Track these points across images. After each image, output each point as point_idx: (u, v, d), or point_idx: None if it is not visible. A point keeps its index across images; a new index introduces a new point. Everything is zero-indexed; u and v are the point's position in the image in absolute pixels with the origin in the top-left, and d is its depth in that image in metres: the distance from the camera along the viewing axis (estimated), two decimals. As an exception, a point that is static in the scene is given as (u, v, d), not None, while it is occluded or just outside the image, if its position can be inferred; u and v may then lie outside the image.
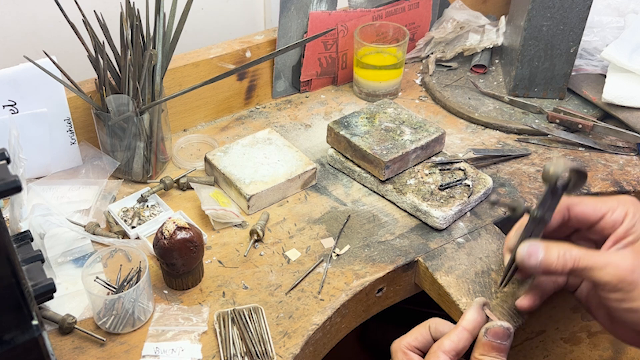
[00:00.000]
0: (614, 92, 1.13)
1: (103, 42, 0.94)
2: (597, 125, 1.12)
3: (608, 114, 1.16)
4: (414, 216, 0.98)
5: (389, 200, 1.01)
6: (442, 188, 0.98)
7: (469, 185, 0.99)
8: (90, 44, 0.95)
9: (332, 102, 1.22)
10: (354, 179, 1.05)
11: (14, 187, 0.47)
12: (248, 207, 0.97)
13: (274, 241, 0.94)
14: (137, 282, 0.82)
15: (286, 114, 1.19)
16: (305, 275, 0.89)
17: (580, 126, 1.13)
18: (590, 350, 1.23)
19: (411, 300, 1.01)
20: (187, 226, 0.83)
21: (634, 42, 1.16)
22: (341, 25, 1.19)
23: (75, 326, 0.80)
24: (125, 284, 0.83)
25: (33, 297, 0.55)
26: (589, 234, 0.75)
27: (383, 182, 1.00)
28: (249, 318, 0.82)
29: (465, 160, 1.05)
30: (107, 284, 0.83)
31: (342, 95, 1.24)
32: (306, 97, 1.23)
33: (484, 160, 1.08)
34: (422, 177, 1.01)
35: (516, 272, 0.78)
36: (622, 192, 1.04)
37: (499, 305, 0.81)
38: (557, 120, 1.14)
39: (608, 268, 0.65)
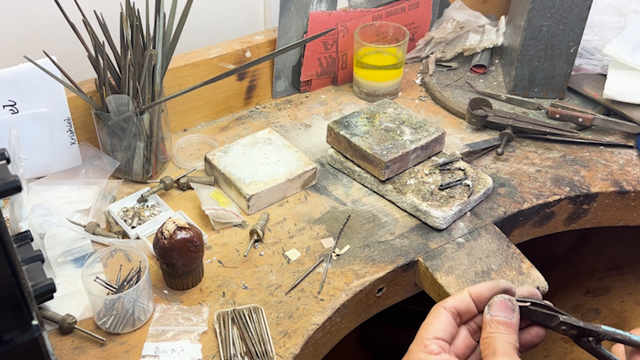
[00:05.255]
0: (615, 88, 1.13)
1: (103, 42, 0.94)
2: (597, 117, 1.12)
3: (609, 111, 1.16)
4: (414, 216, 0.98)
5: (389, 200, 1.01)
6: (442, 188, 0.98)
7: (469, 185, 0.99)
8: (90, 44, 0.95)
9: (332, 102, 1.22)
10: (354, 179, 1.05)
11: (14, 187, 0.47)
12: (248, 207, 0.97)
13: (274, 241, 0.94)
14: (137, 282, 0.82)
15: (286, 114, 1.19)
16: (305, 275, 0.89)
17: (580, 120, 1.13)
18: (590, 350, 1.23)
19: (411, 300, 1.01)
20: (187, 226, 0.83)
21: (635, 39, 1.16)
22: (341, 25, 1.19)
23: (75, 326, 0.80)
24: (125, 284, 0.83)
25: (33, 297, 0.54)
26: None
27: (383, 182, 1.00)
28: (249, 318, 0.82)
29: (462, 158, 1.05)
30: (107, 284, 0.83)
31: (342, 95, 1.24)
32: (306, 97, 1.23)
33: (478, 153, 1.08)
34: (422, 177, 1.01)
35: None
36: (622, 192, 1.04)
37: None
38: (557, 116, 1.15)
39: None
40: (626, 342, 0.59)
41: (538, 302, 0.61)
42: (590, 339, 0.60)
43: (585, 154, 1.10)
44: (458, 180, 1.00)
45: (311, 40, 0.96)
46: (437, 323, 0.61)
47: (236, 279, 0.88)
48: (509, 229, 1.00)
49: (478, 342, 0.63)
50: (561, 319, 0.59)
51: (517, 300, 0.61)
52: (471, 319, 0.63)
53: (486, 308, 0.61)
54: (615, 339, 0.59)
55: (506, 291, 0.62)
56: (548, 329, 0.61)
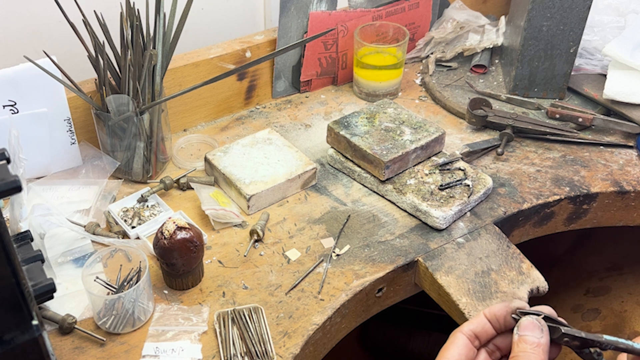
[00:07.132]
0: (615, 88, 1.13)
1: (103, 42, 0.94)
2: (597, 117, 1.12)
3: (609, 111, 1.16)
4: (414, 216, 0.98)
5: (389, 200, 1.01)
6: (442, 188, 0.98)
7: (469, 185, 0.99)
8: (90, 44, 0.95)
9: (332, 102, 1.22)
10: (354, 179, 1.05)
11: (14, 187, 0.47)
12: (248, 207, 0.97)
13: (274, 241, 0.94)
14: (137, 282, 0.82)
15: (286, 114, 1.19)
16: (305, 275, 0.89)
17: (580, 120, 1.13)
18: (590, 350, 1.23)
19: (411, 300, 1.02)
20: (187, 226, 0.83)
21: (635, 39, 1.16)
22: (341, 25, 1.19)
23: (75, 326, 0.80)
24: (125, 284, 0.83)
25: (33, 297, 0.55)
26: None
27: (383, 182, 1.00)
28: (249, 318, 0.82)
29: (462, 158, 1.05)
30: (107, 284, 0.83)
31: (342, 95, 1.24)
32: (306, 97, 1.23)
33: (478, 153, 1.08)
34: (422, 177, 1.01)
35: None
36: (622, 192, 1.04)
37: None
38: (557, 116, 1.15)
39: None
40: (629, 350, 0.58)
41: (541, 314, 0.60)
42: (592, 350, 0.59)
43: (585, 154, 1.10)
44: (458, 180, 1.00)
45: (311, 40, 0.96)
46: (453, 347, 0.62)
47: (236, 279, 0.88)
48: (509, 229, 1.00)
49: None
50: (563, 331, 0.59)
51: (521, 313, 0.61)
52: (490, 340, 0.63)
53: (515, 328, 0.61)
54: (618, 348, 0.58)
55: (519, 309, 0.62)
56: (551, 341, 0.60)
